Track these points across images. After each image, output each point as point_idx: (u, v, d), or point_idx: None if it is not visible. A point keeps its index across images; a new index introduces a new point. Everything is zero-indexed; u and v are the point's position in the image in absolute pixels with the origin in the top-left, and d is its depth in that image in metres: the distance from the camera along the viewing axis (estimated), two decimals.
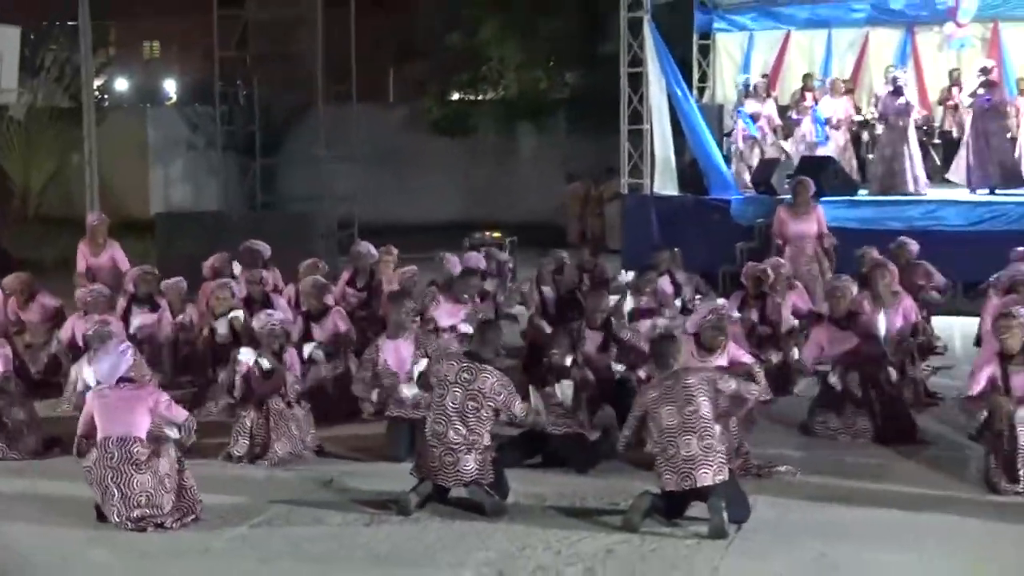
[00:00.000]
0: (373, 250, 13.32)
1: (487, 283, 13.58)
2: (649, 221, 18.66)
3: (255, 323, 10.08)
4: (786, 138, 20.61)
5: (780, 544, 7.53)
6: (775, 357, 11.73)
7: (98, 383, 8.62)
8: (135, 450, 7.91)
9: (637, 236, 18.57)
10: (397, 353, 9.89)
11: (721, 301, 10.81)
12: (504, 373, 8.55)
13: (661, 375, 8.20)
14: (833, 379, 10.27)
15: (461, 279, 12.33)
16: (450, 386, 8.29)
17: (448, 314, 11.93)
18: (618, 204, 22.46)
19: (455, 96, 33.17)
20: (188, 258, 14.89)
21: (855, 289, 10.84)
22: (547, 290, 13.28)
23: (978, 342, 11.95)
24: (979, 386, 8.83)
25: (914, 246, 13.58)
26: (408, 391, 9.59)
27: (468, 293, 12.23)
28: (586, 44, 29.30)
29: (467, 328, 11.42)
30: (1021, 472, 8.44)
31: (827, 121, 20.06)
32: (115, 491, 7.87)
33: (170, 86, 45.35)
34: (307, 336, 11.21)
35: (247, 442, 9.52)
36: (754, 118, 20.27)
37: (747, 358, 9.55)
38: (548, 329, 11.96)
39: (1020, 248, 13.04)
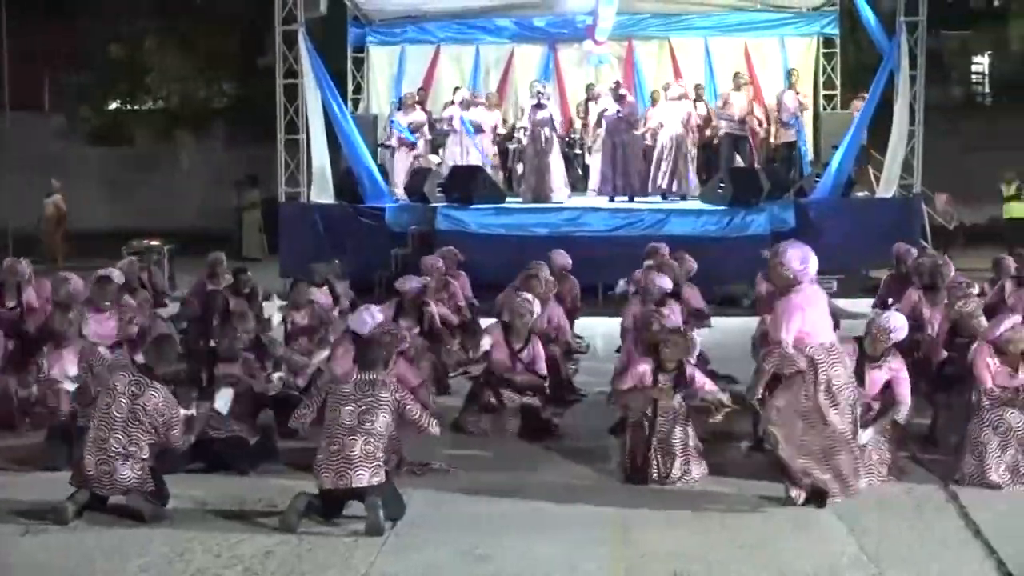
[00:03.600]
0: (26, 266, 12.73)
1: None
2: (306, 229, 18.77)
3: None
4: (437, 149, 21.25)
5: (435, 538, 7.72)
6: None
7: None
8: None
9: (294, 244, 18.69)
10: (60, 363, 9.75)
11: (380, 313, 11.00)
12: (173, 392, 8.45)
13: (361, 375, 8.22)
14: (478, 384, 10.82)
15: (97, 286, 11.78)
16: (118, 396, 8.15)
17: (96, 323, 11.50)
18: (256, 214, 22.51)
19: (113, 105, 32.47)
20: None
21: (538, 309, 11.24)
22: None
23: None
24: (628, 384, 9.23)
25: (563, 258, 14.14)
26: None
27: (107, 300, 11.72)
28: (245, 55, 29.25)
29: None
30: (651, 457, 8.96)
31: (476, 131, 20.68)
32: None
33: None
34: None
35: None
36: (411, 129, 20.82)
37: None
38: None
39: (655, 244, 13.92)
